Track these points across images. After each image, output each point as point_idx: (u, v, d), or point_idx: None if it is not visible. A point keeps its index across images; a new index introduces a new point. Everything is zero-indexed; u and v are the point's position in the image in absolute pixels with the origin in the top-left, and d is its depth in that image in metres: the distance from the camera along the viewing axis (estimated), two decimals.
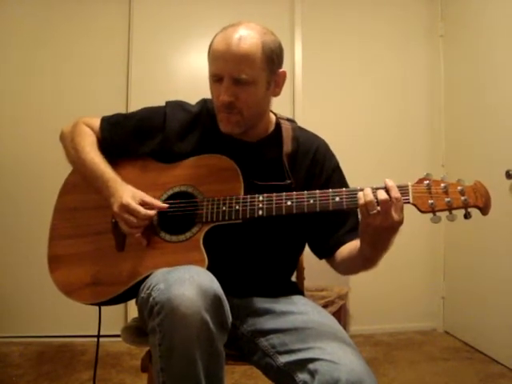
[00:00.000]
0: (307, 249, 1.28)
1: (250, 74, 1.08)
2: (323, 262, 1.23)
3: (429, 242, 2.98)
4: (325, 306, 2.56)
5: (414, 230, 2.93)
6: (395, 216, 0.93)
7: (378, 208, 0.93)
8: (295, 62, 2.89)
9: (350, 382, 0.88)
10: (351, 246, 1.12)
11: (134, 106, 1.33)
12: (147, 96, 2.64)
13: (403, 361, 2.43)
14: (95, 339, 1.24)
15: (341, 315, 2.67)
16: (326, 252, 1.20)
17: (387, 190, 0.94)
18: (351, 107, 2.95)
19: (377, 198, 0.93)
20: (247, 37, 1.08)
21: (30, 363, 2.32)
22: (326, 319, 1.07)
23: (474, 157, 2.58)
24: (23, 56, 2.76)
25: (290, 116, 1.31)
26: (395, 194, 0.94)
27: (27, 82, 2.76)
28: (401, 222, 0.94)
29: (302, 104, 2.87)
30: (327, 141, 1.29)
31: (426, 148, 2.97)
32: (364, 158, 2.84)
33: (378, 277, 2.89)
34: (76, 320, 2.52)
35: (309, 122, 2.76)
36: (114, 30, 2.82)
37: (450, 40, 2.91)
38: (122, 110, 2.62)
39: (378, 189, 0.95)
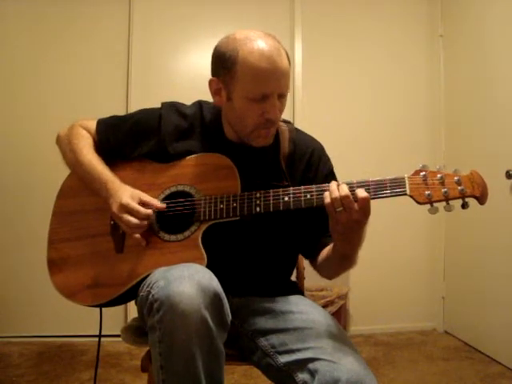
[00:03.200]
0: None
1: (289, 86, 1.11)
2: None
3: (429, 242, 2.98)
4: (325, 306, 2.56)
5: (414, 230, 2.96)
6: (359, 211, 0.94)
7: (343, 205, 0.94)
8: (295, 62, 2.89)
9: (350, 381, 0.88)
10: (329, 247, 1.13)
11: (134, 107, 1.34)
12: (147, 96, 2.65)
13: (403, 361, 2.43)
14: (95, 339, 1.25)
15: (341, 315, 2.67)
16: (310, 253, 1.22)
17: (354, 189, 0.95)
18: (351, 107, 2.95)
19: (340, 195, 0.94)
20: (280, 49, 1.07)
21: (30, 363, 2.32)
22: (325, 319, 1.07)
23: (474, 157, 2.58)
24: (24, 56, 2.77)
25: (290, 115, 1.31)
26: (361, 193, 0.94)
27: (28, 83, 2.76)
28: (366, 217, 0.95)
29: (302, 103, 2.86)
30: (328, 140, 1.29)
31: (426, 148, 2.97)
32: (364, 158, 2.84)
33: (378, 277, 2.89)
34: (76, 320, 2.52)
35: (309, 121, 2.79)
36: (115, 30, 2.83)
37: (450, 40, 2.91)
38: (122, 111, 2.65)
39: (351, 184, 0.97)
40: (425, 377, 2.23)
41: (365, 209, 0.94)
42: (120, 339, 1.24)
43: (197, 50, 2.81)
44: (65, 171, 1.29)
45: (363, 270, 2.79)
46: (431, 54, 3.00)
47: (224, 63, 1.08)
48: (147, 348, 1.12)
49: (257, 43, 1.05)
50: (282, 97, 1.09)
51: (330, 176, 1.23)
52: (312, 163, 1.22)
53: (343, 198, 0.93)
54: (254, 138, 1.13)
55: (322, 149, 1.26)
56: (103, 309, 1.20)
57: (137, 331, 1.19)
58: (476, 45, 2.60)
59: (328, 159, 1.26)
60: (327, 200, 0.95)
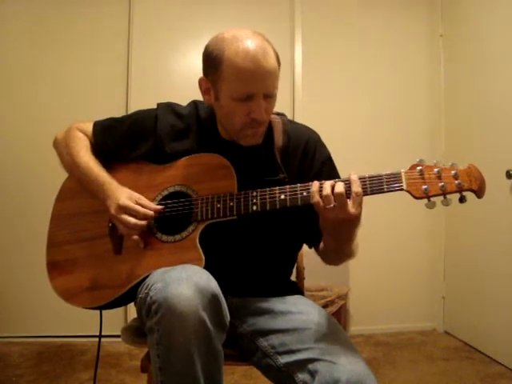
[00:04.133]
0: (307, 248, 1.28)
1: (277, 86, 1.09)
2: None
3: (429, 242, 2.98)
4: (325, 306, 2.56)
5: (414, 231, 2.95)
6: (351, 209, 0.94)
7: (335, 203, 0.94)
8: (295, 61, 2.89)
9: (350, 382, 0.88)
10: None
11: (134, 107, 1.34)
12: (147, 97, 2.64)
13: (403, 361, 2.43)
14: (95, 339, 1.25)
15: (341, 315, 2.67)
16: (312, 241, 1.20)
17: (349, 184, 0.95)
18: (351, 107, 2.95)
19: (333, 192, 0.94)
20: (267, 49, 1.05)
21: (30, 363, 2.32)
22: (325, 319, 1.07)
23: (474, 157, 2.58)
24: (24, 58, 2.76)
25: (290, 115, 1.30)
26: (356, 188, 0.94)
27: (27, 84, 2.76)
28: (357, 216, 0.95)
29: (302, 103, 2.86)
30: (327, 140, 1.27)
31: (426, 148, 2.97)
32: (363, 159, 2.83)
33: (378, 277, 2.89)
34: (76, 320, 2.51)
35: (309, 121, 2.77)
36: (115, 31, 2.82)
37: (449, 40, 2.91)
38: (122, 111, 2.65)
39: (340, 181, 0.96)
40: (425, 377, 2.23)
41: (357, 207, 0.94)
42: (120, 339, 1.24)
43: (196, 51, 2.77)
44: (64, 173, 1.29)
45: (363, 270, 2.81)
46: (431, 54, 3.00)
47: (211, 62, 1.08)
48: (147, 348, 1.11)
49: (243, 43, 1.04)
50: (268, 97, 1.07)
51: (328, 164, 1.21)
52: (308, 151, 1.20)
53: (338, 196, 0.93)
54: (242, 137, 1.13)
55: (317, 137, 1.25)
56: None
57: (136, 332, 1.19)
58: (476, 45, 2.60)
59: (324, 146, 1.24)
60: (315, 199, 0.95)
